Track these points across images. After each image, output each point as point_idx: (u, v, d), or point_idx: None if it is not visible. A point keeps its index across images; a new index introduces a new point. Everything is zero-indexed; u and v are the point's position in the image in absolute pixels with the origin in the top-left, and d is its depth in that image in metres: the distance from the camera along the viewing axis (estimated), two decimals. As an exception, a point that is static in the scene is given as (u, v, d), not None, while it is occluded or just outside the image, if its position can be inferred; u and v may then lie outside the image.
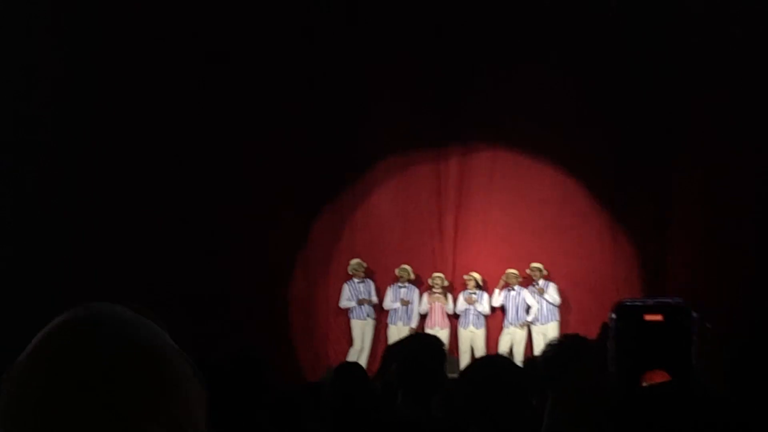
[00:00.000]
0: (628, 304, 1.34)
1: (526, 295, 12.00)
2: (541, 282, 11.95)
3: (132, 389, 1.03)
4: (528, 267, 12.01)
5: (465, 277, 12.13)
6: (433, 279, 12.11)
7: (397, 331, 11.75)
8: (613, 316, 1.33)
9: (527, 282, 12.09)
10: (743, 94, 10.98)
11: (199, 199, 11.62)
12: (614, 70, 11.80)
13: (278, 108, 12.03)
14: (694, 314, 1.31)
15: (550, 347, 4.05)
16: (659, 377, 1.30)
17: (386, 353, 5.53)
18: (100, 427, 1.00)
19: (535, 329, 11.91)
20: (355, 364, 5.96)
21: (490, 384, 3.05)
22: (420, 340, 4.16)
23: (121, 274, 10.68)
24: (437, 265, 12.43)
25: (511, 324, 11.99)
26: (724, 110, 11.17)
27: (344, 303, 12.20)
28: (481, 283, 12.12)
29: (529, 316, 11.96)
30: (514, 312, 11.99)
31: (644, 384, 1.30)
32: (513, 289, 12.02)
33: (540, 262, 12.00)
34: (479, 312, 12.02)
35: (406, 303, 12.02)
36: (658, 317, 1.32)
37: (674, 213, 12.01)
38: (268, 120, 11.98)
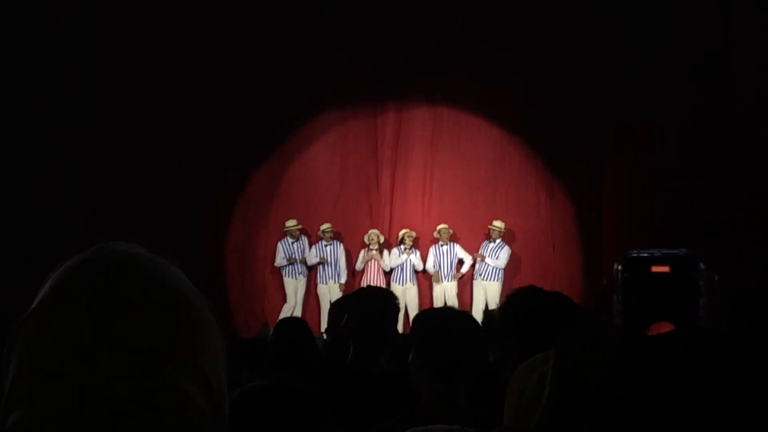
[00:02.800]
0: (634, 255, 1.31)
1: (459, 250, 12.07)
2: (497, 241, 11.92)
3: (153, 331, 0.97)
4: (489, 224, 12.01)
5: (400, 234, 12.13)
6: (369, 236, 12.10)
7: (327, 290, 11.91)
8: (619, 267, 1.30)
9: (486, 237, 12.07)
10: (673, 51, 10.99)
11: (139, 152, 11.46)
12: (550, 29, 11.79)
13: (217, 63, 11.85)
14: (702, 265, 1.29)
15: (508, 298, 4.04)
16: (665, 329, 1.29)
17: (335, 307, 5.48)
18: (119, 368, 0.95)
19: (476, 283, 11.93)
20: (299, 319, 5.93)
21: (445, 336, 3.02)
22: (374, 294, 4.09)
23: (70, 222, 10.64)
24: (374, 220, 12.41)
25: (444, 279, 12.03)
26: (656, 66, 11.22)
27: (279, 261, 12.19)
28: (414, 238, 12.16)
29: (463, 268, 12.05)
30: (448, 267, 12.04)
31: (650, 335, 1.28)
32: (446, 244, 12.05)
33: (501, 220, 12.00)
34: (414, 266, 12.05)
35: (323, 261, 12.06)
36: (665, 268, 1.30)
37: (609, 168, 12.08)
38: (208, 75, 11.79)
